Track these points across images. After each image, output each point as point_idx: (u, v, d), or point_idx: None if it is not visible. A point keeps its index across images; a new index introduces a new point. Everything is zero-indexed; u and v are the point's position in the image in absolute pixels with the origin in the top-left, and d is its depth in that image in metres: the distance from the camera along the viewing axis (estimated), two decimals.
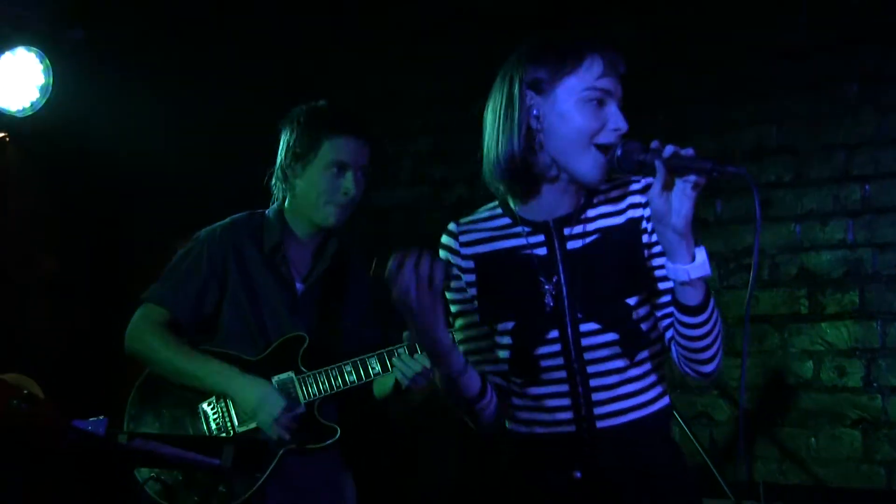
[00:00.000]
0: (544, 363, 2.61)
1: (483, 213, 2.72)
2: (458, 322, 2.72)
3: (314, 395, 3.48)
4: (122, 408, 3.56)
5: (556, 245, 2.64)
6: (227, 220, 3.61)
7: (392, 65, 5.43)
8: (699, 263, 2.46)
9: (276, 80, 5.04)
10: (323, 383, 3.49)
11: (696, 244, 2.46)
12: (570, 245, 2.63)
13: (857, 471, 4.33)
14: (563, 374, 2.60)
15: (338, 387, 3.48)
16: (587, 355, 2.60)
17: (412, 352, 3.41)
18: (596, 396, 2.60)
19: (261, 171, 3.60)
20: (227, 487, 3.38)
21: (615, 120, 2.51)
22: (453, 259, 2.67)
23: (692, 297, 2.50)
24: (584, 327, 2.60)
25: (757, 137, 4.61)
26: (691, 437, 3.72)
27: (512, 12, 4.78)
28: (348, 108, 3.62)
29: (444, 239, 2.71)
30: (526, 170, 2.57)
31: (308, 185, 3.49)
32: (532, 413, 2.65)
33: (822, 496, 4.29)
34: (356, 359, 3.47)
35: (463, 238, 2.67)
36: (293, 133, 3.52)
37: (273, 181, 3.59)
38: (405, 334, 3.21)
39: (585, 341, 2.60)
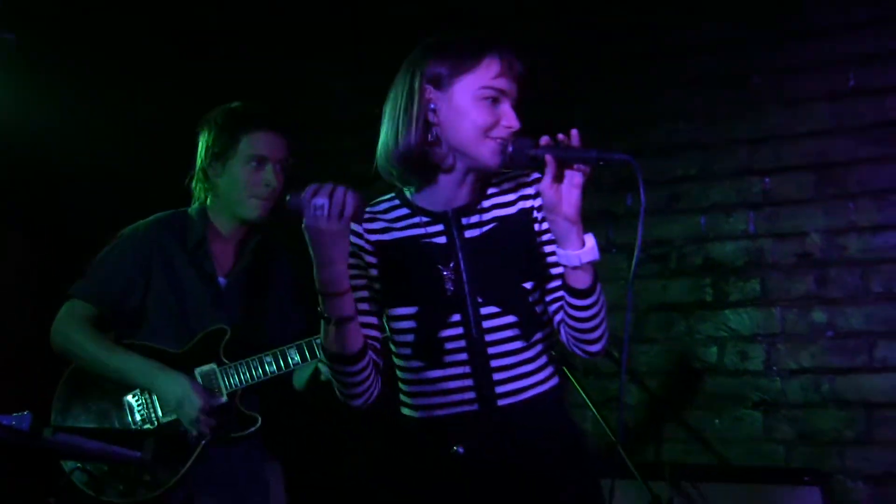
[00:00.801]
0: (448, 345, 2.64)
1: (381, 204, 2.74)
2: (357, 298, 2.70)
3: (236, 385, 3.47)
4: (49, 403, 3.53)
5: (455, 234, 2.68)
6: (151, 218, 3.62)
7: (322, 66, 5.45)
8: (589, 248, 2.52)
9: (212, 81, 5.01)
10: (244, 374, 3.49)
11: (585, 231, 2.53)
12: (468, 234, 2.68)
13: (758, 450, 4.38)
14: (465, 355, 2.64)
15: (258, 377, 3.49)
16: (488, 337, 2.64)
17: None
18: (497, 376, 2.64)
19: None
20: (152, 476, 3.37)
21: (508, 118, 2.55)
22: (359, 241, 2.68)
23: (582, 280, 2.57)
24: (484, 310, 2.65)
25: (667, 133, 4.64)
26: (600, 421, 3.75)
27: (433, 13, 4.83)
28: (263, 106, 3.66)
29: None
30: (423, 160, 2.61)
31: (230, 182, 3.50)
32: (434, 397, 2.69)
33: (726, 474, 4.26)
34: (276, 350, 3.49)
35: (366, 225, 2.68)
36: (211, 134, 3.54)
37: (194, 182, 3.60)
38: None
39: (486, 324, 2.65)
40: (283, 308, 3.69)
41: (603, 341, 2.72)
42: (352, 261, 2.63)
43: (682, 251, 4.39)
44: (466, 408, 2.66)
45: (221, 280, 3.59)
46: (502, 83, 2.56)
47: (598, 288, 2.63)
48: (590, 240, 2.56)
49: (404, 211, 2.72)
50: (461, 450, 2.65)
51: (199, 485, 3.46)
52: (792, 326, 4.36)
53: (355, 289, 2.63)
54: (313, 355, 3.49)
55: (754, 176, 4.46)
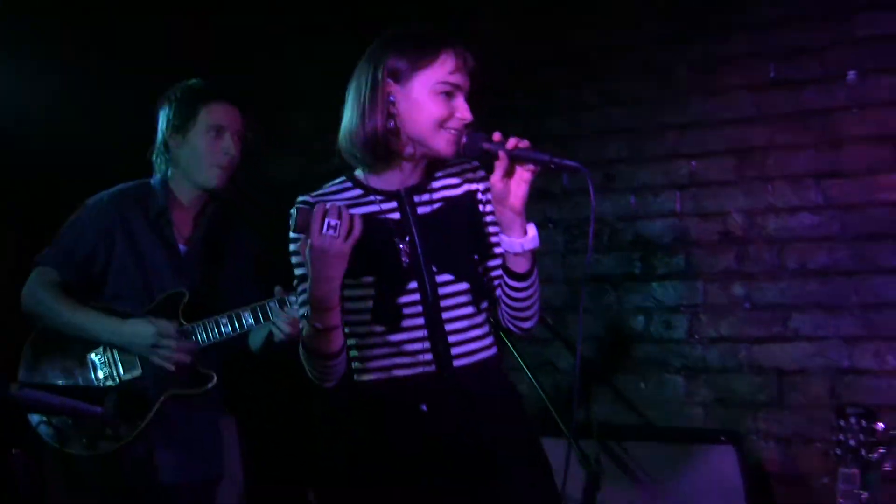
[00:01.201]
0: (406, 311, 2.71)
1: (332, 187, 2.81)
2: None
3: (195, 343, 3.55)
4: (16, 362, 3.60)
5: (409, 210, 2.75)
6: (115, 188, 3.68)
7: (281, 52, 5.56)
8: (530, 237, 2.66)
9: (172, 65, 4.90)
10: (201, 334, 3.55)
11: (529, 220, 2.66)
12: (420, 210, 2.76)
13: (680, 412, 4.52)
14: (421, 320, 2.71)
15: (214, 338, 3.56)
16: (442, 303, 2.73)
17: (282, 305, 3.51)
18: (451, 339, 2.73)
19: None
20: (113, 431, 3.43)
21: (462, 111, 2.63)
22: None
23: (521, 265, 2.69)
24: (439, 278, 2.73)
25: (602, 118, 4.74)
26: (535, 385, 3.89)
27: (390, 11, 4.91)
28: (220, 80, 3.74)
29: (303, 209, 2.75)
30: (383, 146, 2.68)
31: (190, 152, 3.57)
32: (393, 358, 2.74)
33: (649, 434, 4.42)
34: (231, 312, 3.55)
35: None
36: (171, 108, 3.61)
37: (155, 155, 3.66)
38: (277, 289, 3.51)
39: (441, 290, 2.73)
40: (239, 273, 3.75)
41: (535, 319, 2.84)
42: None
43: (614, 228, 4.50)
44: (424, 368, 2.73)
45: (181, 247, 3.65)
46: (457, 78, 2.65)
47: (535, 272, 2.75)
48: (531, 229, 2.68)
49: (357, 192, 2.77)
50: (424, 407, 2.73)
51: (157, 439, 3.52)
52: (713, 298, 4.48)
53: None
54: (266, 318, 3.54)
55: (681, 159, 4.56)
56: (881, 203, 4.16)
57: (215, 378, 3.57)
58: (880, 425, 3.47)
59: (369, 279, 2.70)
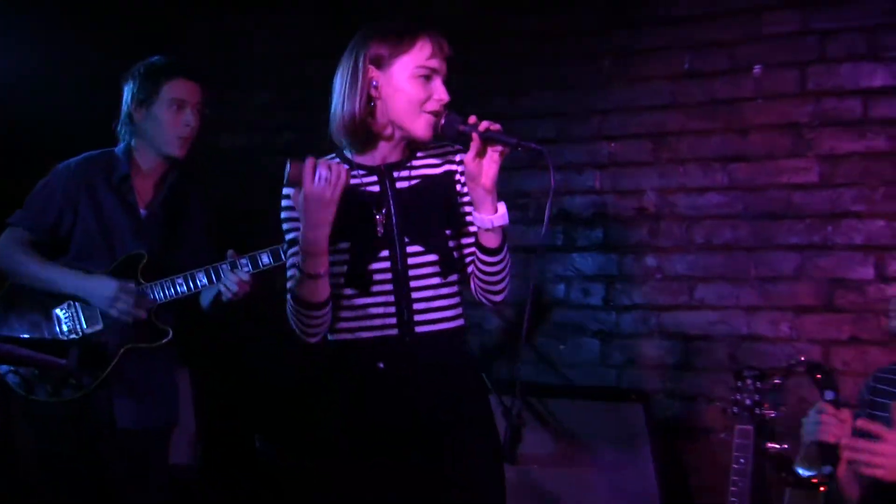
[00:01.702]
0: (376, 277, 2.79)
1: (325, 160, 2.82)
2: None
3: (151, 302, 3.63)
4: None
5: (387, 185, 2.83)
6: (81, 156, 3.77)
7: (240, 30, 5.64)
8: (500, 214, 2.74)
9: (138, 38, 5.12)
10: (158, 292, 3.64)
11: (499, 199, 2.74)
12: (399, 185, 2.84)
13: (595, 372, 4.66)
14: (390, 286, 2.80)
15: (170, 296, 3.65)
16: (411, 272, 2.81)
17: (233, 268, 3.60)
18: (416, 306, 2.81)
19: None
20: (76, 380, 3.53)
21: (439, 92, 2.74)
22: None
23: (492, 240, 2.77)
24: (409, 249, 2.81)
25: (534, 101, 4.85)
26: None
27: None
28: (181, 57, 3.84)
29: (296, 162, 2.78)
30: (365, 129, 2.77)
31: (153, 124, 3.66)
32: (359, 321, 2.82)
33: (568, 392, 4.54)
34: (186, 273, 3.65)
35: None
36: (135, 83, 3.69)
37: (120, 126, 3.75)
38: (229, 252, 3.63)
39: (410, 260, 2.81)
40: (194, 237, 3.85)
41: (505, 293, 2.92)
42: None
43: (540, 202, 4.63)
44: (388, 332, 2.81)
45: (142, 211, 3.73)
46: (434, 62, 2.75)
47: (506, 248, 2.83)
48: (502, 207, 2.75)
49: (343, 167, 2.78)
50: (381, 365, 2.80)
51: (117, 388, 3.62)
52: (627, 269, 4.63)
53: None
54: (218, 279, 3.63)
55: (602, 141, 4.70)
56: (780, 186, 4.32)
57: (171, 333, 3.67)
58: (776, 380, 3.70)
59: (345, 245, 2.78)
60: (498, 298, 2.92)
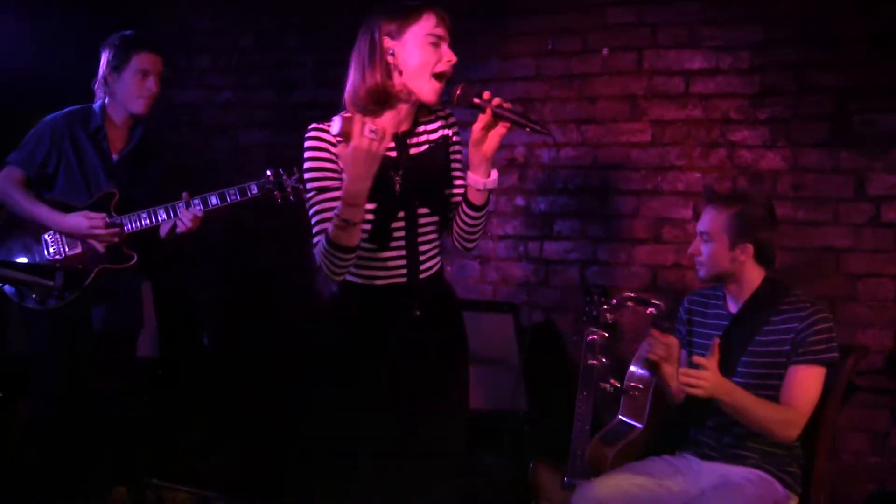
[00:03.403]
0: (393, 234, 2.83)
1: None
2: (330, 192, 2.78)
3: (122, 230, 3.83)
4: None
5: (403, 150, 2.85)
6: (65, 110, 3.93)
7: (188, 10, 5.75)
8: (492, 179, 2.82)
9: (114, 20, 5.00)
10: (126, 224, 3.85)
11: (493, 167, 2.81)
12: (411, 151, 2.87)
13: (475, 287, 4.93)
14: (403, 242, 2.84)
15: (136, 227, 3.85)
16: (420, 230, 2.86)
17: (187, 206, 3.77)
18: (421, 258, 2.87)
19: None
20: (59, 293, 3.78)
21: (448, 55, 2.77)
22: (331, 149, 2.76)
23: (479, 199, 2.85)
24: (419, 210, 2.85)
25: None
26: None
27: None
28: (148, 33, 4.01)
29: (319, 133, 2.80)
30: (384, 93, 2.76)
31: (123, 87, 3.87)
32: (375, 270, 2.85)
33: None
34: (149, 209, 3.84)
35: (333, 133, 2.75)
36: (111, 52, 3.88)
37: (97, 86, 3.94)
38: (184, 193, 3.81)
39: (420, 220, 2.86)
40: (157, 179, 4.02)
41: (477, 242, 2.98)
42: (326, 163, 2.79)
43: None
44: (398, 279, 2.86)
45: (114, 157, 3.93)
46: (439, 31, 2.75)
47: (487, 207, 2.88)
48: (494, 173, 2.82)
49: None
50: (418, 312, 2.88)
51: (92, 298, 3.88)
52: (502, 207, 4.90)
53: (331, 189, 2.77)
54: (175, 214, 3.79)
55: None
56: (621, 144, 4.62)
57: (136, 257, 3.91)
58: (613, 300, 3.73)
59: (371, 206, 2.75)
60: (471, 246, 2.98)
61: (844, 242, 4.21)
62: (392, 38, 2.76)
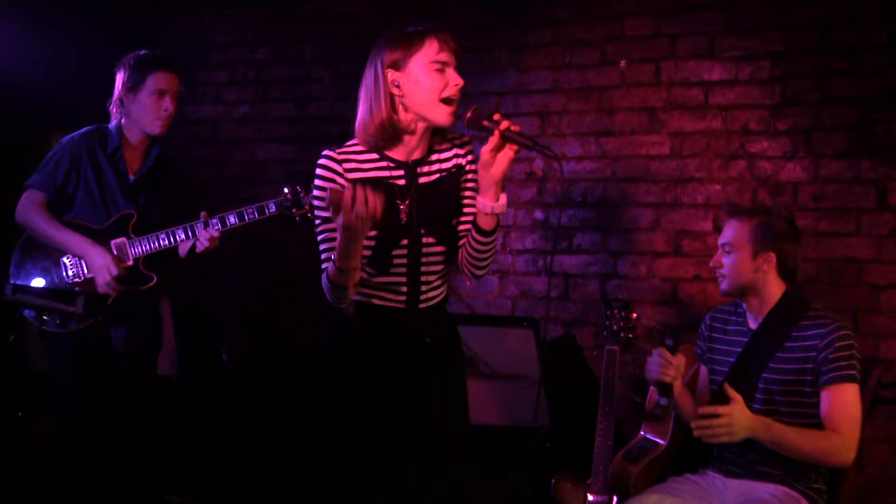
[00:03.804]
0: (395, 261, 2.83)
1: (352, 147, 2.86)
2: (333, 224, 2.75)
3: (139, 253, 3.85)
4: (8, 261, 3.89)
5: (412, 179, 2.84)
6: (82, 130, 3.93)
7: (203, 25, 5.74)
8: (501, 204, 2.75)
9: (132, 35, 5.23)
10: (145, 245, 3.84)
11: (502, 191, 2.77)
12: (421, 180, 2.85)
13: (495, 302, 4.96)
14: (404, 269, 2.85)
15: (154, 248, 3.84)
16: (423, 259, 2.86)
17: (205, 226, 3.76)
18: (423, 288, 2.88)
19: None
20: (80, 318, 3.70)
21: (454, 79, 2.75)
22: (338, 177, 2.78)
23: (488, 224, 2.80)
24: (425, 240, 2.85)
25: None
26: None
27: None
28: (163, 53, 3.98)
29: (328, 163, 2.82)
30: (393, 126, 2.76)
31: (139, 108, 3.85)
32: (375, 291, 2.86)
33: (474, 320, 4.72)
34: (167, 229, 3.84)
35: (344, 165, 2.81)
36: (126, 72, 3.87)
37: (112, 106, 3.93)
38: (202, 213, 3.78)
39: (425, 249, 2.85)
40: (173, 200, 4.01)
41: (487, 270, 2.94)
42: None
43: None
44: (396, 305, 2.87)
45: (131, 177, 3.91)
46: (444, 56, 2.73)
47: (497, 233, 2.84)
48: (503, 198, 2.76)
49: (373, 156, 2.83)
50: (429, 340, 2.90)
51: (113, 320, 3.85)
52: (520, 221, 4.90)
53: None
54: (193, 234, 3.79)
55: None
56: (640, 156, 4.63)
57: (155, 278, 3.89)
58: (634, 315, 3.72)
59: (373, 232, 2.75)
60: (480, 273, 2.94)
61: (867, 253, 4.21)
62: (396, 69, 2.76)
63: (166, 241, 3.88)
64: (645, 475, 3.53)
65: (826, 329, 3.20)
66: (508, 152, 2.69)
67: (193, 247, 3.87)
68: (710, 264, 3.40)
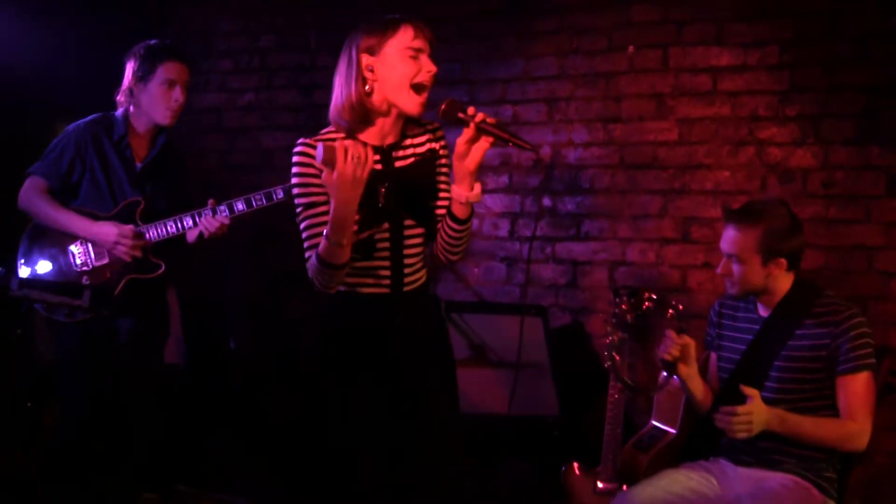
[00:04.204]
0: (379, 245, 2.88)
1: (326, 135, 2.90)
2: (318, 207, 2.84)
3: (147, 241, 3.86)
4: (15, 250, 3.91)
5: (389, 163, 2.90)
6: (88, 118, 3.94)
7: (207, 13, 5.79)
8: (475, 193, 2.81)
9: (136, 23, 5.22)
10: (152, 232, 3.86)
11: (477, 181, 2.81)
12: (397, 164, 2.91)
13: (503, 290, 4.98)
14: (387, 252, 2.89)
15: (162, 235, 3.87)
16: (405, 242, 2.91)
17: (213, 213, 3.79)
18: (405, 270, 2.92)
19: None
20: (87, 310, 3.75)
21: (427, 65, 2.80)
22: (316, 166, 2.76)
23: (463, 212, 2.86)
24: (405, 222, 2.90)
25: (447, 71, 5.03)
26: None
27: None
28: (173, 43, 3.98)
29: (304, 149, 2.85)
30: (364, 108, 2.82)
31: (149, 98, 3.86)
32: (360, 278, 2.91)
33: (482, 308, 4.77)
34: (175, 217, 3.86)
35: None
36: (136, 62, 3.87)
37: (120, 95, 3.93)
38: (209, 200, 3.83)
39: (405, 232, 2.90)
40: (180, 187, 4.04)
41: (461, 255, 2.99)
42: (313, 178, 2.81)
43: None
44: (382, 290, 2.91)
45: (138, 165, 3.93)
46: (418, 43, 2.79)
47: (471, 220, 2.90)
48: (477, 187, 2.81)
49: (350, 141, 2.77)
50: (398, 322, 2.93)
51: (120, 308, 3.88)
52: (528, 208, 4.93)
53: (319, 203, 2.83)
54: (201, 221, 3.81)
55: (506, 104, 4.96)
56: (648, 143, 4.64)
57: (164, 266, 3.91)
58: (646, 303, 3.82)
59: (355, 216, 2.77)
60: (455, 258, 3.00)
61: (876, 241, 4.22)
62: (371, 53, 2.81)
63: (174, 228, 3.90)
64: (655, 463, 3.56)
65: (840, 317, 3.20)
66: (484, 144, 2.74)
67: (201, 234, 3.89)
68: (718, 272, 3.38)
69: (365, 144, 2.71)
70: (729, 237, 3.31)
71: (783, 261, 3.27)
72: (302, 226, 2.91)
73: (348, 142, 2.66)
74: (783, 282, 3.32)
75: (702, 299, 4.45)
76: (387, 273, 2.93)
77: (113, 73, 3.99)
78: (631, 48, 4.68)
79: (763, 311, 3.38)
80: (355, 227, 2.80)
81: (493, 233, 5.03)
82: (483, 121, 2.72)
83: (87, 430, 3.94)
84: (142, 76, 3.88)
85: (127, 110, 3.97)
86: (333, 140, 2.79)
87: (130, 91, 3.93)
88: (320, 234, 2.79)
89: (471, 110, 2.74)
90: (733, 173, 4.49)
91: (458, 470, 3.06)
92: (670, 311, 3.46)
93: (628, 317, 3.81)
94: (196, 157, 4.48)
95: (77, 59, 5.13)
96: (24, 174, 3.97)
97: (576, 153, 4.83)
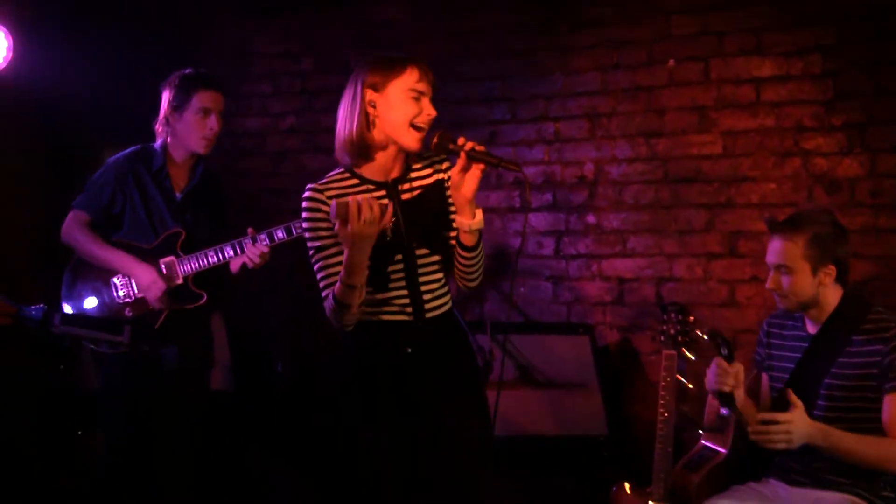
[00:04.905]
0: (392, 276, 2.94)
1: (333, 177, 2.99)
2: (329, 249, 2.92)
3: (188, 271, 3.90)
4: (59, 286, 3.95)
5: (395, 197, 2.96)
6: (127, 150, 3.99)
7: (246, 37, 5.82)
8: (477, 220, 2.89)
9: (176, 50, 5.25)
10: (194, 263, 3.89)
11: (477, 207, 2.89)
12: (404, 197, 2.98)
13: (549, 309, 4.98)
14: (403, 283, 2.95)
15: (203, 266, 3.89)
16: (420, 270, 2.96)
17: (254, 242, 3.79)
18: (425, 297, 2.98)
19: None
20: (128, 346, 3.52)
21: (428, 109, 2.89)
22: (324, 206, 2.88)
23: (469, 240, 2.94)
24: (418, 252, 2.96)
25: (488, 89, 5.10)
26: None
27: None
28: (208, 72, 4.01)
29: (312, 194, 2.93)
30: (364, 142, 2.90)
31: (185, 127, 3.90)
32: (380, 308, 2.97)
33: (528, 328, 4.79)
34: (216, 246, 3.88)
35: (326, 194, 2.92)
36: (171, 92, 3.92)
37: (158, 125, 3.97)
38: (249, 230, 3.82)
39: (420, 261, 2.96)
40: (220, 216, 4.07)
41: (478, 281, 3.06)
42: (322, 223, 2.90)
43: (499, 171, 4.46)
44: (404, 317, 2.97)
45: (177, 195, 3.97)
46: (422, 86, 2.88)
47: (481, 246, 2.97)
48: (479, 214, 2.89)
49: (355, 181, 2.96)
50: (409, 350, 2.98)
51: (162, 339, 3.86)
52: (572, 225, 4.92)
53: (329, 246, 2.91)
54: (242, 251, 3.82)
55: (548, 121, 4.96)
56: (691, 156, 4.64)
57: (205, 297, 3.94)
58: (691, 318, 3.85)
59: None
60: (472, 284, 3.06)
61: None
62: (375, 90, 2.89)
63: (215, 259, 3.93)
64: (706, 484, 3.52)
65: (891, 333, 3.14)
66: (476, 171, 2.81)
67: (244, 264, 3.91)
68: (768, 287, 3.33)
69: (377, 194, 2.82)
70: (775, 248, 3.27)
71: (832, 268, 3.22)
72: (316, 267, 2.98)
73: (360, 197, 2.72)
74: (832, 295, 3.26)
75: (751, 313, 4.43)
76: (406, 301, 2.98)
77: (153, 100, 4.04)
78: (671, 61, 4.67)
79: (811, 328, 3.32)
80: (370, 262, 2.85)
81: (538, 251, 5.04)
82: (472, 149, 2.81)
83: (131, 459, 3.96)
84: (177, 106, 3.93)
85: (165, 140, 4.01)
86: (341, 182, 2.92)
87: (167, 121, 3.98)
88: (333, 274, 2.89)
89: (460, 140, 2.83)
90: (779, 185, 4.46)
91: (484, 500, 3.06)
92: (716, 338, 3.27)
93: (679, 337, 3.81)
94: (237, 182, 4.47)
95: (116, 89, 5.16)
96: (68, 207, 4.03)
97: (619, 169, 4.83)
